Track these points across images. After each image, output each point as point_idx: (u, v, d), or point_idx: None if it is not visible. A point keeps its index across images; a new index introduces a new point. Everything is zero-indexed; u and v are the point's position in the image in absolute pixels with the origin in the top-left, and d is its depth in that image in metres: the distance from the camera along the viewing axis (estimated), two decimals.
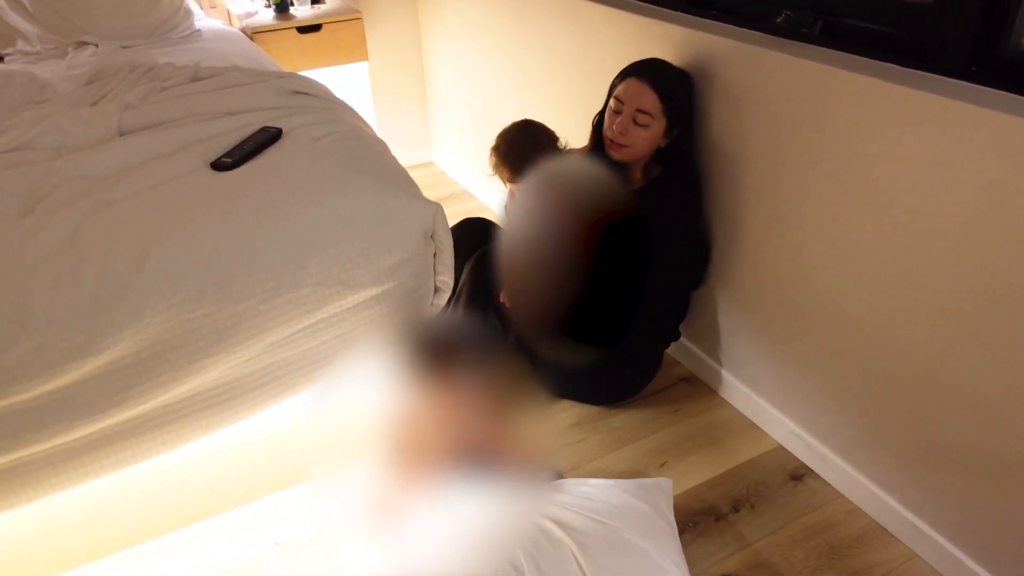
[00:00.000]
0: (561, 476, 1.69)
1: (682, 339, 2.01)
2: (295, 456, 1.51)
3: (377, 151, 1.54)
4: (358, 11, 2.83)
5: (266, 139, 1.48)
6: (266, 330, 1.26)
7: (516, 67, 2.47)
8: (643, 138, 1.61)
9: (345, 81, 3.01)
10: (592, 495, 1.52)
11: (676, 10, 1.78)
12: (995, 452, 1.30)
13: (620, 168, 1.74)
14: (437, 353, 1.03)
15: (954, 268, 1.26)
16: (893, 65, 1.32)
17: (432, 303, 1.52)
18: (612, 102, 1.65)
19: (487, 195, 3.02)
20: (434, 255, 1.45)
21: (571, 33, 2.10)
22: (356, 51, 2.85)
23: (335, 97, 1.83)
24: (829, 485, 1.68)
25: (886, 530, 1.56)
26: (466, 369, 1.04)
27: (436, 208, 1.41)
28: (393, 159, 1.57)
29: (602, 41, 1.97)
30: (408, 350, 1.02)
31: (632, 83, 1.60)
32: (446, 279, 1.50)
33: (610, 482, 1.57)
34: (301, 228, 1.26)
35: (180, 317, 1.16)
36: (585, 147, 1.83)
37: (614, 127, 1.62)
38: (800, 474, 1.71)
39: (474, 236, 1.98)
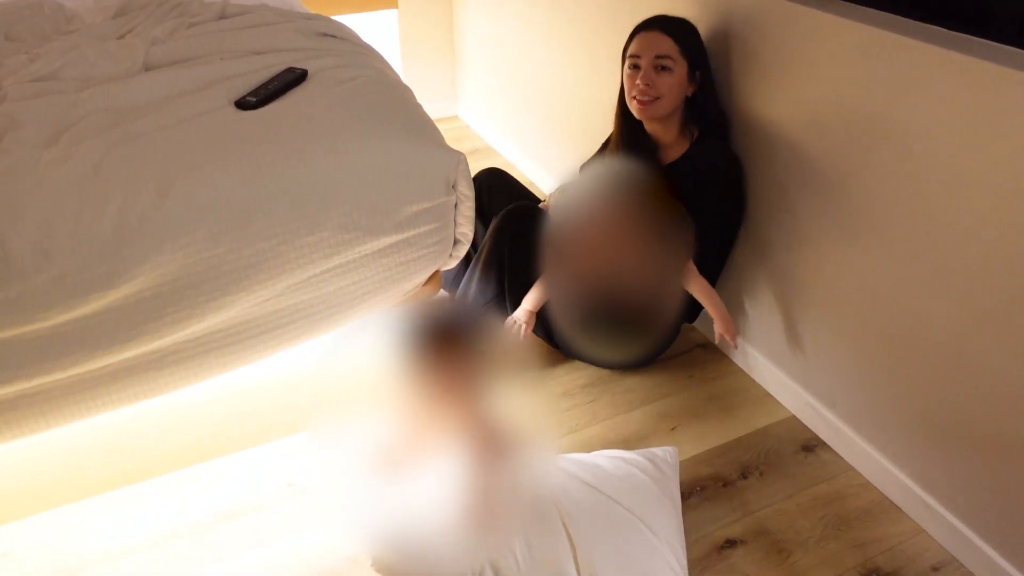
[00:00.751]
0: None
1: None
2: (306, 401, 1.52)
3: (403, 98, 1.52)
4: None
5: (292, 80, 1.47)
6: (285, 271, 1.26)
7: (549, 20, 2.42)
8: (669, 84, 1.58)
9: (374, 29, 2.97)
10: (595, 465, 1.53)
11: None
12: (1012, 433, 1.28)
13: (654, 147, 1.71)
14: (439, 341, 1.06)
15: (988, 244, 1.23)
16: (937, 27, 1.27)
17: (451, 254, 1.51)
18: (627, 65, 1.63)
19: (512, 151, 2.98)
20: (455, 206, 1.44)
21: None
22: None
23: (363, 41, 1.81)
24: (841, 458, 1.67)
25: (895, 505, 1.56)
26: (466, 355, 1.08)
27: (459, 158, 1.40)
28: (418, 106, 1.55)
29: None
30: (412, 338, 1.06)
31: (642, 37, 1.61)
32: (466, 231, 1.49)
33: (615, 452, 1.57)
34: (322, 171, 1.26)
35: (200, 254, 1.17)
36: (613, 136, 1.78)
37: (638, 83, 1.60)
38: (812, 445, 1.71)
39: (492, 188, 1.96)
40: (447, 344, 1.06)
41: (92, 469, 1.43)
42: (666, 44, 1.57)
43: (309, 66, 1.53)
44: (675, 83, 1.59)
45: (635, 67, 1.61)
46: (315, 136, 1.30)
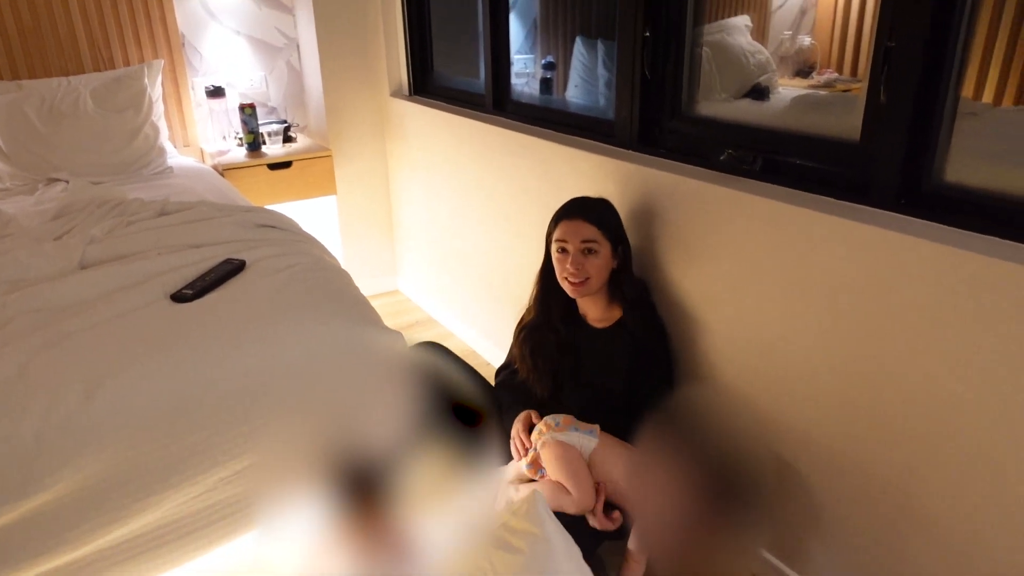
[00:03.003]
0: None
1: None
2: None
3: (339, 282, 1.56)
4: (328, 148, 2.95)
5: (229, 271, 1.50)
6: (217, 463, 1.23)
7: (480, 200, 2.58)
8: (597, 265, 1.67)
9: (313, 214, 3.09)
10: None
11: (627, 148, 1.89)
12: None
13: (577, 318, 1.79)
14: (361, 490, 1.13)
15: (901, 391, 1.29)
16: (827, 198, 1.41)
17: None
18: (555, 248, 1.72)
19: (451, 320, 3.05)
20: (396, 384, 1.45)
21: (532, 169, 2.22)
22: (325, 186, 2.95)
23: (301, 230, 1.88)
24: None
25: None
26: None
27: (396, 336, 1.42)
28: (355, 289, 1.59)
29: (560, 175, 2.08)
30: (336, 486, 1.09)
31: (566, 224, 1.69)
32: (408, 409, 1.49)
33: None
34: (259, 358, 1.26)
35: (127, 452, 1.13)
36: (533, 300, 1.87)
37: (568, 267, 1.68)
38: None
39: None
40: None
41: None
42: (590, 230, 1.66)
43: (247, 256, 1.57)
44: (602, 263, 1.68)
45: (563, 251, 1.70)
46: (250, 324, 1.31)
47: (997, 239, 1.16)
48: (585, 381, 1.77)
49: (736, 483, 1.25)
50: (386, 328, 1.44)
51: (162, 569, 1.24)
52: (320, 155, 2.90)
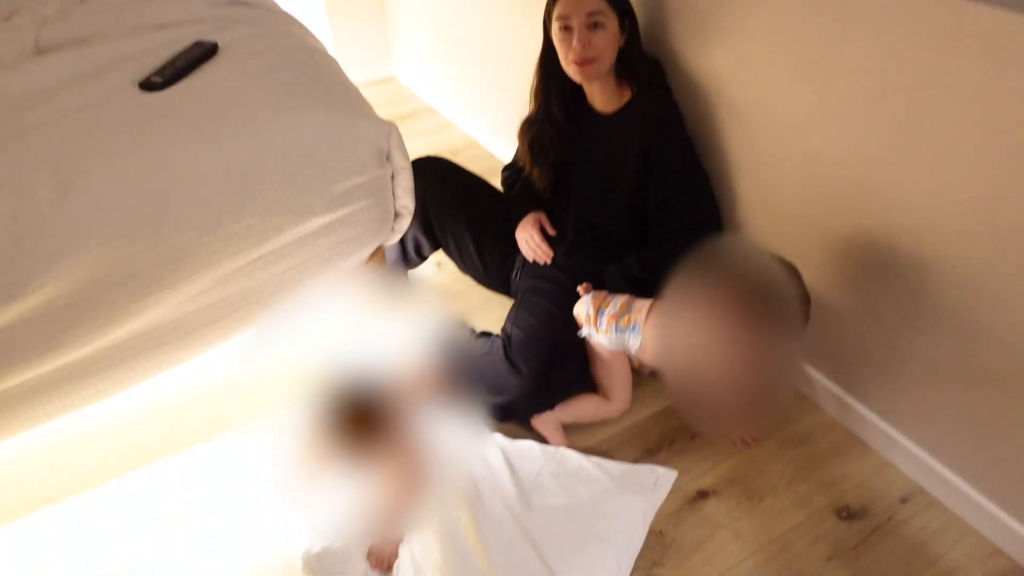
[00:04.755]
0: None
1: None
2: (233, 403, 1.43)
3: (324, 66, 1.42)
4: None
5: (200, 54, 1.35)
6: (211, 264, 1.18)
7: None
8: (605, 40, 1.51)
9: None
10: (579, 468, 1.51)
11: None
12: (972, 364, 1.27)
13: (584, 105, 1.64)
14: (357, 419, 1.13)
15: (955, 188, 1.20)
16: None
17: (393, 228, 1.44)
18: (556, 28, 1.54)
19: (452, 110, 2.88)
20: (392, 178, 1.36)
21: None
22: None
23: (279, 8, 1.69)
24: (805, 398, 1.66)
25: (861, 440, 1.56)
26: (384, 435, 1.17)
27: (390, 127, 1.31)
28: (342, 75, 1.45)
29: None
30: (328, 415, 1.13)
31: None
32: (406, 203, 1.41)
33: (607, 463, 1.53)
34: (240, 152, 1.16)
35: (112, 254, 1.07)
36: (533, 91, 1.69)
37: (574, 46, 1.51)
38: None
39: (426, 178, 1.80)
40: (360, 425, 1.13)
41: (21, 487, 1.34)
42: (594, 2, 1.48)
43: (220, 38, 1.41)
44: (610, 39, 1.52)
45: (566, 28, 1.52)
46: (229, 115, 1.20)
47: None
48: (594, 173, 1.67)
49: (775, 301, 1.18)
50: (379, 119, 1.32)
51: (166, 366, 1.24)
52: None
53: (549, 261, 1.68)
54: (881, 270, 1.36)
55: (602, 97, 1.61)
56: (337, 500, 1.17)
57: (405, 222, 1.45)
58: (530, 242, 1.69)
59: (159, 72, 1.30)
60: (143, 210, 1.09)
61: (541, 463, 1.51)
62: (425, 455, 1.23)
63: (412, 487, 1.27)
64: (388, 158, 1.33)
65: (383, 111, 2.94)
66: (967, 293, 1.22)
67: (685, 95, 1.61)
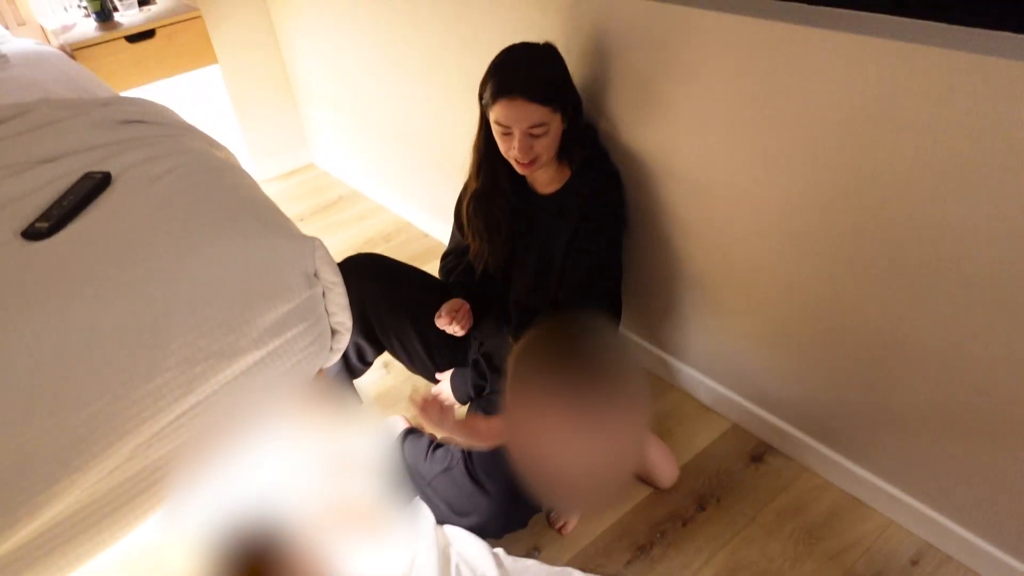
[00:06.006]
0: None
1: (625, 330, 1.86)
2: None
3: (233, 182, 1.29)
4: (196, 8, 2.49)
5: (91, 188, 1.22)
6: (127, 432, 1.02)
7: (393, 53, 2.22)
8: (547, 143, 1.40)
9: (196, 91, 2.68)
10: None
11: None
12: (966, 413, 1.21)
13: (525, 186, 1.55)
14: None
15: (892, 220, 1.15)
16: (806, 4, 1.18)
17: (332, 347, 1.31)
18: (495, 127, 1.42)
19: (379, 193, 2.77)
20: (323, 295, 1.23)
21: (443, 9, 1.88)
22: (201, 55, 2.52)
23: (176, 119, 1.56)
24: (792, 460, 1.58)
25: (859, 500, 1.48)
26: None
27: (314, 243, 1.19)
28: (255, 189, 1.32)
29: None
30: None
31: (506, 106, 1.36)
32: (342, 319, 1.29)
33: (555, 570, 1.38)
34: (147, 300, 1.02)
35: (10, 440, 0.91)
36: (474, 169, 1.57)
37: (514, 152, 1.39)
38: (760, 453, 1.61)
39: (361, 279, 1.64)
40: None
41: None
42: (536, 113, 1.35)
43: (112, 167, 1.28)
44: (552, 138, 1.40)
45: (507, 134, 1.40)
46: (130, 259, 1.06)
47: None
48: (532, 255, 1.57)
49: (610, 381, 1.00)
50: (302, 235, 1.20)
51: (91, 554, 1.07)
52: (188, 17, 2.45)
53: (461, 333, 1.56)
54: (847, 319, 1.30)
55: (543, 179, 1.52)
56: None
57: (344, 339, 1.32)
58: (443, 318, 1.55)
59: (45, 216, 1.15)
60: (38, 384, 0.93)
61: None
62: None
63: None
64: (316, 275, 1.21)
65: (306, 201, 2.82)
66: (935, 338, 1.16)
67: (626, 160, 1.54)
